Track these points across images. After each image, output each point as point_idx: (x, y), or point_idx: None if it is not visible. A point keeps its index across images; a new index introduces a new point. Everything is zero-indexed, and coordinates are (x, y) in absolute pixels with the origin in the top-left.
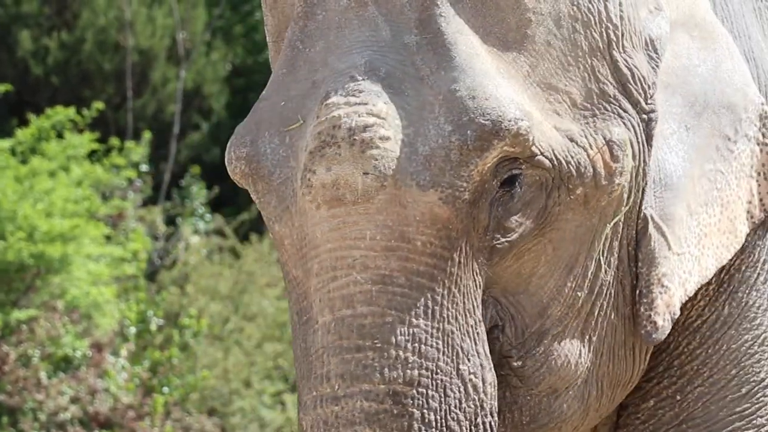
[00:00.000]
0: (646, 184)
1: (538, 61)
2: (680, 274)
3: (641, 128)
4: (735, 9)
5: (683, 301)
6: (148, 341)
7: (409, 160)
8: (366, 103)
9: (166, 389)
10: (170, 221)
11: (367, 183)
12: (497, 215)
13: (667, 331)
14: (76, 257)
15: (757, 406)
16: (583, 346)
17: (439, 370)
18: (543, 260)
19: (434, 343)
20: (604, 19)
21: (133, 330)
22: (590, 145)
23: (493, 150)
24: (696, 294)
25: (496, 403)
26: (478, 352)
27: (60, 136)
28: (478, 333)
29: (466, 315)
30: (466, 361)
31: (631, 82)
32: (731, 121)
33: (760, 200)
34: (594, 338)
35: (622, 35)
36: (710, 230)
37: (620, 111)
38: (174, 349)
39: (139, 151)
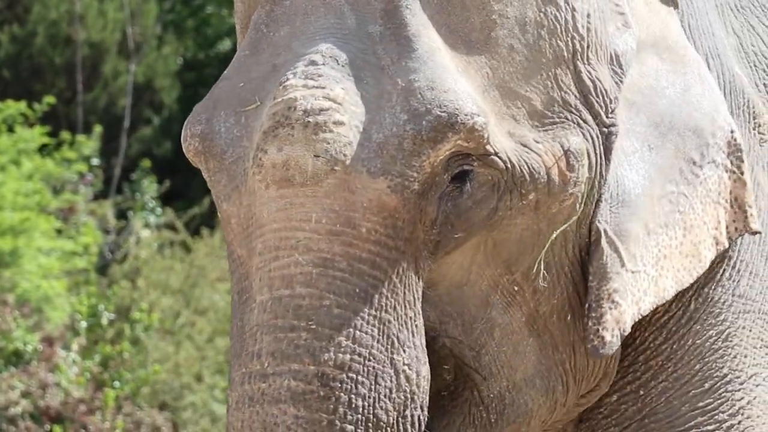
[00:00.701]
0: (601, 196)
1: (499, 64)
2: (634, 292)
3: (600, 140)
4: (698, 6)
5: (636, 320)
6: (99, 335)
7: (361, 147)
8: (323, 87)
9: (117, 383)
10: (121, 215)
11: (317, 166)
12: (446, 210)
13: (616, 347)
14: (27, 251)
15: (719, 401)
16: (530, 337)
17: (372, 358)
18: (482, 250)
19: (369, 331)
20: (571, 28)
21: (84, 324)
22: (546, 152)
23: (446, 142)
24: None
25: (427, 398)
26: (414, 344)
27: (11, 130)
28: (416, 325)
29: (405, 306)
30: (401, 351)
31: (593, 93)
32: (697, 145)
33: (727, 227)
34: (543, 334)
35: (588, 47)
36: (670, 252)
37: (580, 121)
38: (125, 344)
39: (89, 144)
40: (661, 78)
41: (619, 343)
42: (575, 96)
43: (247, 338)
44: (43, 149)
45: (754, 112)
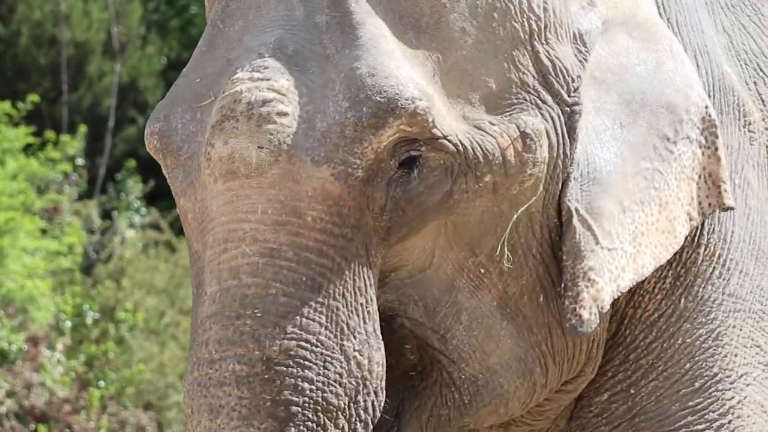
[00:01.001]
0: (569, 175)
1: (451, 47)
2: (611, 269)
3: (561, 120)
4: (687, 3)
5: (615, 297)
6: (83, 335)
7: (306, 136)
8: (268, 79)
9: (102, 383)
10: (106, 215)
11: (261, 157)
12: (395, 196)
13: (594, 325)
14: (12, 250)
15: (709, 400)
16: (503, 320)
17: (319, 344)
18: (443, 233)
19: (317, 318)
20: (526, 9)
21: (68, 324)
22: (501, 134)
23: (387, 128)
24: (653, 287)
25: (382, 383)
26: (366, 331)
27: None
28: (368, 311)
29: (355, 292)
30: (351, 338)
31: (552, 73)
32: (671, 122)
33: (699, 203)
34: (516, 316)
35: (546, 26)
36: (647, 229)
37: (538, 102)
38: (110, 343)
39: (74, 144)
40: (631, 55)
41: (598, 321)
42: (533, 76)
43: (198, 329)
44: (27, 149)
45: (744, 110)
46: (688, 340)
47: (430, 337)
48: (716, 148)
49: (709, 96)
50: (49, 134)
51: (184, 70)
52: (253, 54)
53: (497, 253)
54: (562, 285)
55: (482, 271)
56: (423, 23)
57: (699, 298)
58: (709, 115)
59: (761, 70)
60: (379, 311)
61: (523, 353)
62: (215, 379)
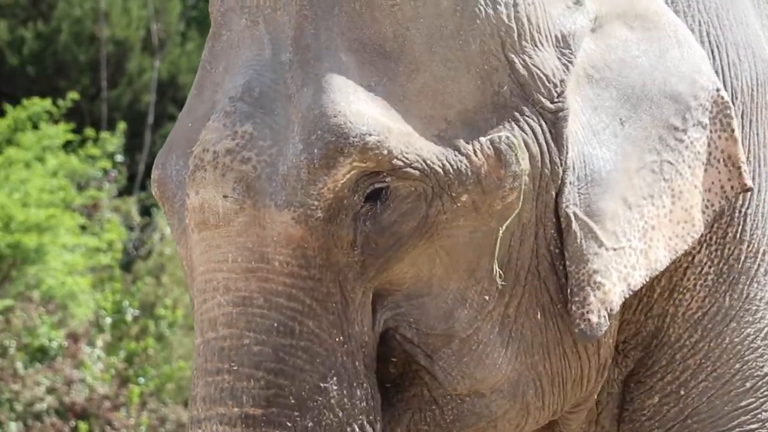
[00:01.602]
0: (563, 182)
1: (419, 68)
2: (619, 269)
3: (544, 128)
4: None
5: (627, 296)
6: (123, 332)
7: (269, 181)
8: (233, 125)
9: (141, 380)
10: (145, 211)
11: (227, 206)
12: (365, 230)
13: (604, 328)
14: (52, 247)
15: (761, 400)
16: (503, 348)
17: (294, 389)
18: (438, 263)
19: (292, 362)
20: (494, 22)
21: (108, 320)
22: (474, 152)
23: (340, 167)
24: (693, 284)
25: (369, 417)
26: (345, 368)
27: (35, 127)
28: (345, 348)
29: (330, 331)
30: (329, 378)
31: (530, 83)
32: (677, 111)
33: (721, 187)
34: (516, 339)
35: (520, 35)
36: (659, 222)
37: (515, 114)
38: (150, 340)
39: (114, 141)
40: (631, 48)
41: (608, 324)
42: (510, 88)
43: (192, 383)
44: (67, 146)
45: None
46: (736, 339)
47: (418, 355)
48: (732, 130)
49: (753, 90)
50: (89, 131)
51: (180, 113)
52: (226, 98)
53: (494, 273)
54: (569, 291)
55: (486, 298)
56: (387, 48)
57: (745, 296)
58: (722, 98)
59: None
60: (372, 325)
61: (516, 376)
62: None
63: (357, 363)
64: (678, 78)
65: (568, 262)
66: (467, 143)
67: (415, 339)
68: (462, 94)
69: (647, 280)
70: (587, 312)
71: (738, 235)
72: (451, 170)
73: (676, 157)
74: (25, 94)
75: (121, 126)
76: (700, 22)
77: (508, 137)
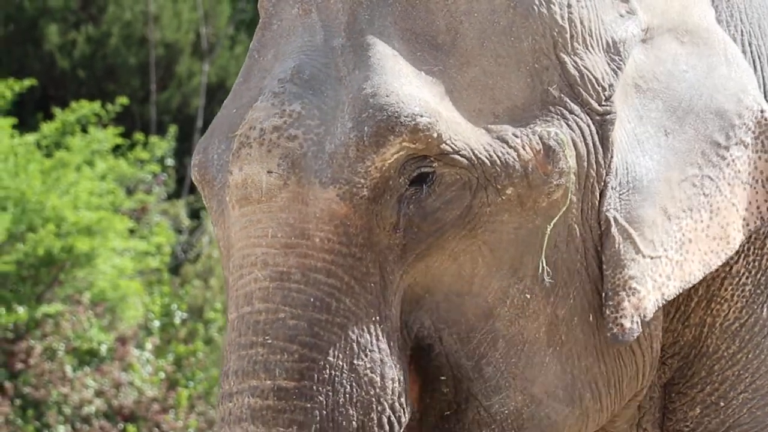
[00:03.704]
0: (606, 185)
1: (469, 62)
2: (655, 277)
3: (592, 129)
4: (763, 9)
5: (660, 305)
6: (172, 335)
7: (315, 158)
8: (282, 104)
9: (190, 383)
10: (194, 215)
11: (270, 181)
12: (408, 212)
13: (636, 333)
14: (102, 251)
15: None
16: (551, 350)
17: (328, 365)
18: (481, 261)
19: (327, 337)
20: (548, 21)
21: (157, 323)
22: (523, 146)
23: (389, 146)
24: (731, 294)
25: (401, 399)
26: (379, 348)
27: (84, 130)
28: (381, 329)
29: (368, 310)
30: (363, 356)
31: (580, 83)
32: (721, 127)
33: (758, 208)
34: (568, 342)
35: (572, 37)
36: (696, 236)
37: (564, 112)
38: (198, 343)
39: (163, 145)
40: (680, 62)
41: (640, 330)
42: (559, 87)
43: (224, 359)
44: (116, 150)
45: None
46: None
47: (465, 365)
48: None
49: None
50: (138, 135)
51: (224, 102)
52: (275, 81)
53: (540, 272)
54: (604, 294)
55: (528, 296)
56: (440, 40)
57: None
58: (765, 119)
59: None
60: (416, 339)
61: (571, 380)
62: (234, 415)
63: (392, 344)
64: (724, 96)
65: (604, 266)
66: (516, 137)
67: (459, 346)
68: (511, 90)
69: (680, 291)
70: (620, 317)
71: None
72: (498, 162)
73: (717, 173)
74: (75, 97)
75: (171, 129)
76: (742, 31)
77: (557, 133)
